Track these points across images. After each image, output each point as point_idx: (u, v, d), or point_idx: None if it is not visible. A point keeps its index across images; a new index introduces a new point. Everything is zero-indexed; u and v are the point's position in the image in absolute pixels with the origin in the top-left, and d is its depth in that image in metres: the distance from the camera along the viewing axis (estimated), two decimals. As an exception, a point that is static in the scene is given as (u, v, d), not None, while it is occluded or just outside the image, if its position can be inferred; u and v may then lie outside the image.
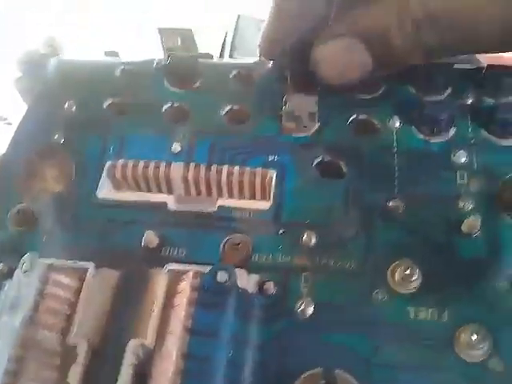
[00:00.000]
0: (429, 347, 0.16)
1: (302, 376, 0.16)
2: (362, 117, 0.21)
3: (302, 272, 0.18)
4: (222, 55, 0.77)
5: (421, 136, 0.20)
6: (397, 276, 0.17)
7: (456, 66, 0.22)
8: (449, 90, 0.22)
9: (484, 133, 0.20)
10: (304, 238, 0.18)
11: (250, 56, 0.86)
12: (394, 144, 0.20)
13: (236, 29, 0.73)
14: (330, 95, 0.22)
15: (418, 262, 0.18)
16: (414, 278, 0.17)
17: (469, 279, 0.17)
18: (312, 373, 0.16)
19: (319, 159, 0.20)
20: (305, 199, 0.20)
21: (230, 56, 0.73)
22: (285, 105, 0.21)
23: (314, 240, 0.18)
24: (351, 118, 0.21)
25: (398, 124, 0.21)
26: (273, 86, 0.22)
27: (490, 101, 0.21)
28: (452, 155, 0.20)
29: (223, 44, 0.76)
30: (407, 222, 0.19)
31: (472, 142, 0.20)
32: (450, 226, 0.18)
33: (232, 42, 0.72)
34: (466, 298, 0.17)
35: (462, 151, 0.20)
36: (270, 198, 0.20)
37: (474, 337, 0.16)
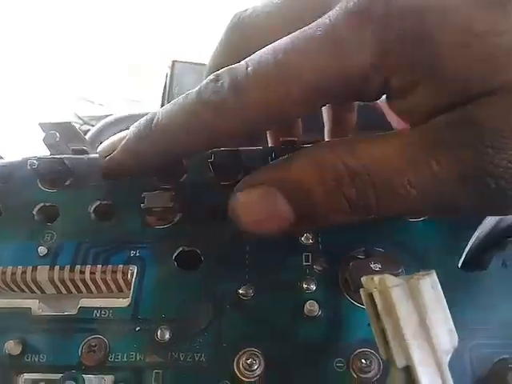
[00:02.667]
0: None
1: None
2: (221, 203, 0.22)
3: (153, 370, 0.19)
4: (163, 98, 0.79)
5: (272, 220, 0.22)
6: (241, 365, 0.18)
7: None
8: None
9: (330, 212, 0.22)
10: (158, 333, 0.19)
11: None
12: (248, 230, 0.22)
13: (172, 75, 0.75)
14: (197, 184, 0.23)
15: (262, 350, 0.19)
16: (255, 367, 0.18)
17: (309, 363, 0.19)
18: None
19: (179, 250, 0.22)
20: (162, 293, 0.21)
21: (169, 102, 0.75)
22: (143, 201, 0.22)
23: (167, 335, 0.19)
24: (211, 206, 0.22)
25: (252, 209, 0.22)
26: (138, 180, 0.23)
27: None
28: (300, 237, 0.21)
29: (165, 87, 0.78)
30: (255, 310, 0.20)
31: (319, 222, 0.22)
32: (294, 310, 0.20)
33: (169, 88, 0.74)
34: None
35: (308, 233, 0.21)
36: (129, 294, 0.21)
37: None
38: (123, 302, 0.21)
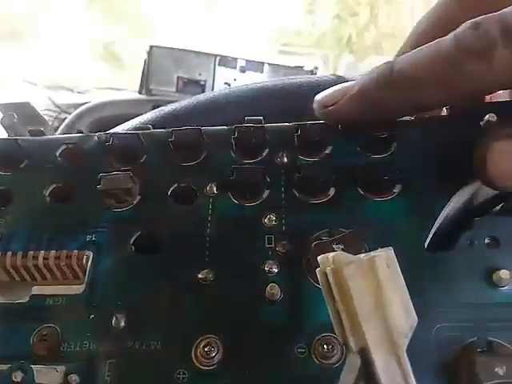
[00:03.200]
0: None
1: None
2: (183, 185, 0.22)
3: (107, 359, 0.18)
4: (142, 83, 0.77)
5: (235, 202, 0.21)
6: (199, 353, 0.18)
7: (269, 126, 0.22)
8: (265, 152, 0.22)
9: (295, 193, 0.21)
10: (113, 321, 0.19)
11: (166, 86, 0.86)
12: (209, 212, 0.21)
13: (149, 60, 0.74)
14: (158, 164, 0.22)
15: (222, 336, 0.18)
16: (213, 355, 0.18)
17: (270, 349, 0.18)
18: None
19: (138, 234, 0.21)
20: (119, 280, 0.20)
21: (147, 87, 0.74)
22: (100, 183, 0.21)
23: (122, 323, 0.19)
24: (172, 188, 0.22)
25: (215, 190, 0.21)
26: (97, 162, 0.22)
27: (302, 160, 0.22)
28: (263, 219, 0.20)
29: (143, 72, 0.76)
30: (215, 294, 0.19)
31: (283, 203, 0.21)
32: (256, 293, 0.19)
33: (147, 74, 0.73)
34: (267, 371, 0.17)
35: (271, 214, 0.20)
36: (84, 281, 0.20)
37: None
38: (77, 289, 0.20)
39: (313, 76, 0.37)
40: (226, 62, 0.72)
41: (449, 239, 0.19)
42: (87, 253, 0.20)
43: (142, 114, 0.43)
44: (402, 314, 0.13)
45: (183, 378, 0.17)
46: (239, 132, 0.22)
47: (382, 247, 0.19)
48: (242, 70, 0.72)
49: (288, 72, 0.73)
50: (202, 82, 0.71)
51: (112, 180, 0.21)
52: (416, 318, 0.14)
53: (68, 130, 0.70)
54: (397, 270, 0.14)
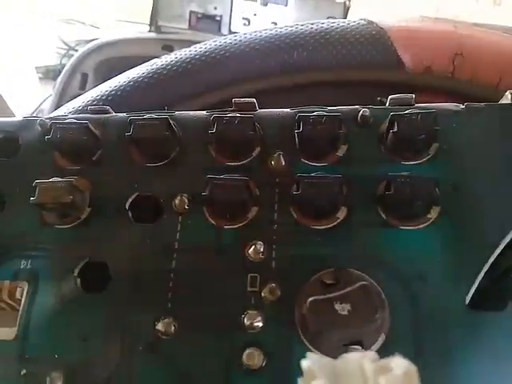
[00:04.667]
0: None
1: None
2: (145, 194, 0.16)
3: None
4: (151, 21, 0.69)
5: (212, 222, 0.16)
6: None
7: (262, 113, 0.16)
8: (256, 151, 0.16)
9: (292, 213, 0.15)
10: (47, 382, 0.14)
11: (177, 22, 0.78)
12: (177, 236, 0.16)
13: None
14: (114, 164, 0.17)
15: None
16: None
17: None
18: None
19: (85, 261, 0.16)
20: (58, 324, 0.15)
21: (156, 24, 0.67)
22: (33, 194, 0.16)
23: (59, 385, 0.14)
24: (131, 198, 0.16)
25: (186, 205, 0.16)
26: (37, 158, 0.17)
27: (305, 164, 0.16)
28: (246, 249, 0.15)
29: (152, 8, 0.68)
30: (177, 355, 0.14)
31: (275, 227, 0.15)
32: (231, 357, 0.14)
33: (156, 8, 0.65)
34: None
35: (258, 243, 0.15)
36: (16, 322, 0.15)
37: None
38: (8, 333, 0.15)
39: (336, 21, 0.29)
40: (244, -7, 0.63)
41: (499, 293, 0.14)
42: (21, 284, 0.16)
43: (152, 57, 0.37)
44: None
45: None
46: (219, 123, 0.16)
47: (405, 303, 0.14)
48: (264, 3, 0.64)
49: (317, 4, 0.63)
50: (218, 18, 0.63)
51: (48, 190, 0.16)
52: None
53: (73, 72, 0.64)
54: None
